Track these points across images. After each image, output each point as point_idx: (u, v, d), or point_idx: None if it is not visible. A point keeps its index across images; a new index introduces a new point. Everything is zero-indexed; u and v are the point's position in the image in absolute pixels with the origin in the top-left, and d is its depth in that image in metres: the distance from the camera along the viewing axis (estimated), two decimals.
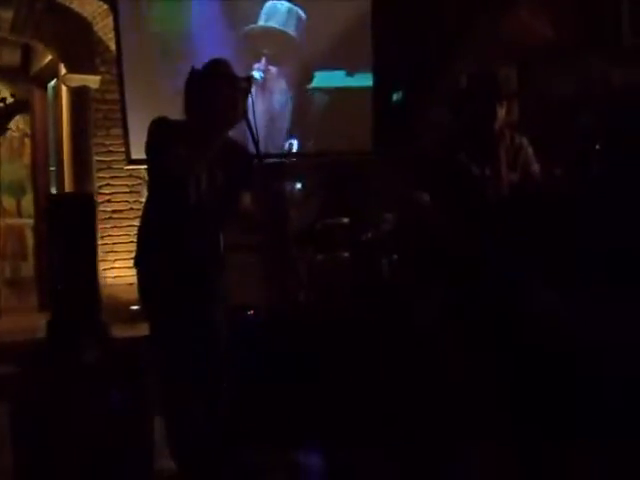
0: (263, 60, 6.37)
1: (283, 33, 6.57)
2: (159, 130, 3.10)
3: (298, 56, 6.59)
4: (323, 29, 6.52)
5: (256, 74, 6.13)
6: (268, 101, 6.44)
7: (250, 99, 3.06)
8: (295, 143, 6.41)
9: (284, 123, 6.49)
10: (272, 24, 6.53)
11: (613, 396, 3.13)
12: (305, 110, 6.56)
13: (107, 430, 2.60)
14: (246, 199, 3.27)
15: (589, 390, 3.20)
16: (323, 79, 6.60)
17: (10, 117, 3.20)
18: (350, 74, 6.60)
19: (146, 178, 6.19)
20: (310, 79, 6.58)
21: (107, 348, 2.71)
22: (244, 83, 3.05)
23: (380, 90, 6.37)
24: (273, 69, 6.45)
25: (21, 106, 3.38)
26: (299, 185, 5.62)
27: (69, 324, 2.67)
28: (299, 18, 6.59)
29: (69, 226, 2.60)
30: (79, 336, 2.63)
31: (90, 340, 2.68)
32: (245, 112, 3.03)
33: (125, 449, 2.66)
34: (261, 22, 6.48)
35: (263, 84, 6.36)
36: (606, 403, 3.12)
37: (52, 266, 2.69)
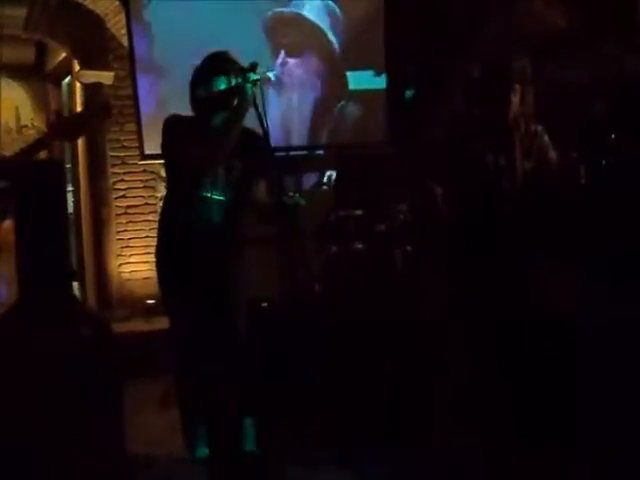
0: (282, 53, 6.15)
1: (300, 17, 6.23)
2: (173, 128, 3.11)
3: (322, 46, 6.26)
4: (352, 26, 6.32)
5: (270, 74, 5.88)
6: (286, 98, 6.15)
7: (259, 87, 3.05)
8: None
9: (305, 119, 6.26)
10: (293, 9, 6.21)
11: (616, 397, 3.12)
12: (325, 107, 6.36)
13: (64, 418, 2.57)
14: (262, 187, 3.27)
15: (593, 388, 3.19)
16: (352, 81, 6.38)
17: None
18: (378, 74, 6.44)
19: (160, 174, 6.25)
20: (343, 80, 6.32)
21: (83, 336, 2.65)
22: (249, 72, 3.04)
23: (394, 82, 6.34)
24: (292, 61, 6.20)
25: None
26: (314, 177, 5.61)
27: (35, 307, 2.62)
28: (330, 12, 6.27)
29: (35, 197, 2.53)
30: (45, 322, 2.57)
31: (59, 326, 2.62)
32: (254, 101, 3.03)
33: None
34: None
35: (280, 81, 6.08)
36: (609, 404, 3.11)
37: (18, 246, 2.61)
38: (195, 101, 3.17)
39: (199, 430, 3.30)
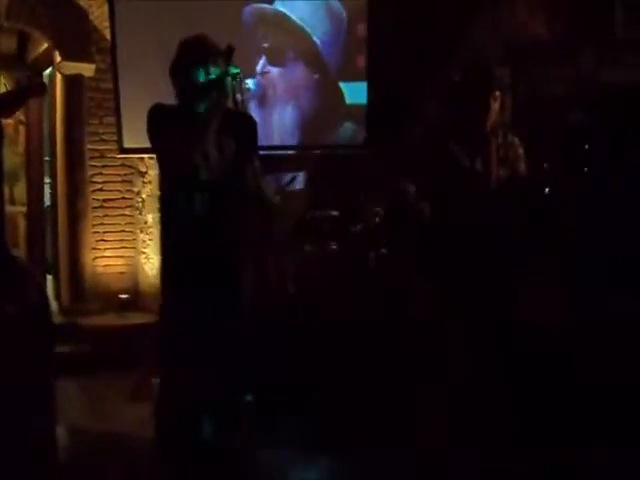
0: (262, 59, 5.66)
1: (284, 17, 5.50)
2: (158, 116, 3.10)
3: (309, 52, 5.58)
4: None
5: (249, 82, 5.35)
6: (266, 115, 5.60)
7: (238, 75, 3.03)
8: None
9: (287, 137, 5.77)
10: (276, 7, 5.47)
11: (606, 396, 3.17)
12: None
13: None
14: (249, 173, 3.25)
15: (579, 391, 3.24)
16: (353, 93, 5.83)
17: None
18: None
19: (139, 168, 6.25)
20: (337, 94, 5.69)
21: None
22: (228, 61, 3.02)
23: (373, 84, 6.35)
24: (274, 70, 5.67)
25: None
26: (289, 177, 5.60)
27: None
28: (329, 12, 5.56)
29: None
30: None
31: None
32: (233, 95, 3.02)
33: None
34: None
35: (260, 93, 5.52)
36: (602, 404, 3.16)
37: None
38: (176, 90, 3.16)
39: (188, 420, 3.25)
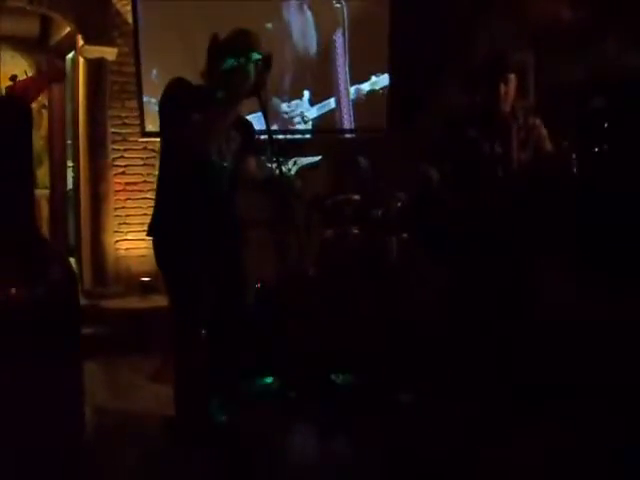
0: None
1: None
2: (179, 94, 3.08)
3: None
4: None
5: None
6: None
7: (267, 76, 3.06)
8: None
9: None
10: None
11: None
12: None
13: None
14: (252, 162, 3.31)
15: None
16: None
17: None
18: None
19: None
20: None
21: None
22: (263, 60, 3.05)
23: (396, 69, 6.34)
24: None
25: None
26: (311, 161, 5.61)
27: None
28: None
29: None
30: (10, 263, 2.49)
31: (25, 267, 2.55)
32: (257, 87, 3.03)
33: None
34: None
35: None
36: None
37: None
38: (212, 70, 3.16)
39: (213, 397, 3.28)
